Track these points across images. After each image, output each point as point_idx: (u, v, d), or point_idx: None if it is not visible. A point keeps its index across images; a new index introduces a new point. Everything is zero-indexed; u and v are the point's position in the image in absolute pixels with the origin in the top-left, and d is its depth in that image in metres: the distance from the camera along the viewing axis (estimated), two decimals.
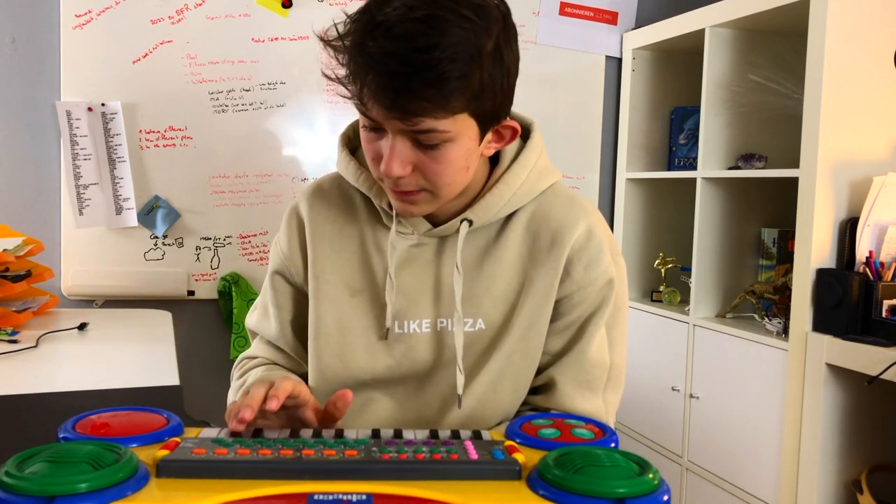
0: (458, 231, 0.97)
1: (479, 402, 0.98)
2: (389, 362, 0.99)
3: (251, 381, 1.01)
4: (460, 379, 0.96)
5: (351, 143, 1.06)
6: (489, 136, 0.91)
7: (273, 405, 0.76)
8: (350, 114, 0.94)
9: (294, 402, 0.84)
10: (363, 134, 0.89)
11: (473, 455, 0.65)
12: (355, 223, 1.03)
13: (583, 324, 0.99)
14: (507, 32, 0.85)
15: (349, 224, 1.03)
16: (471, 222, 0.96)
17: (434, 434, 0.72)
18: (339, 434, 0.72)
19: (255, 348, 1.11)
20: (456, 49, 0.78)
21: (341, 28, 0.85)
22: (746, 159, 2.12)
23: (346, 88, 0.85)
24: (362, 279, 1.01)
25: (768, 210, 2.21)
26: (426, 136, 0.84)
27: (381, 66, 0.79)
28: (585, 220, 0.98)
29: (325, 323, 1.00)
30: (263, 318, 1.09)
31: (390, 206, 0.97)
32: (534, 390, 1.02)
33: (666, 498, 0.59)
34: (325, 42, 0.86)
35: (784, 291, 1.99)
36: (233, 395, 1.06)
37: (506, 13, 0.86)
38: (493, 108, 0.86)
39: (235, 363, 1.12)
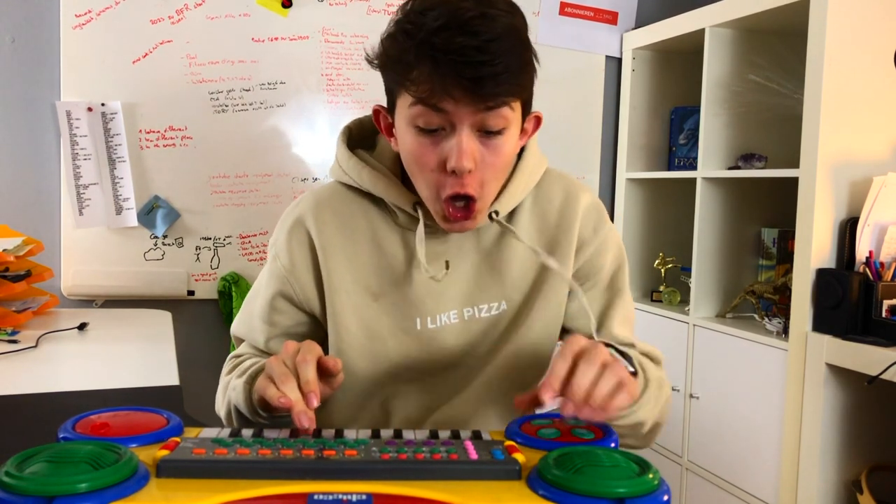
0: (484, 223, 1.00)
1: (504, 378, 1.04)
2: (421, 357, 1.03)
3: (257, 368, 0.98)
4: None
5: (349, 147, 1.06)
6: (519, 130, 0.95)
7: (314, 403, 0.77)
8: (350, 114, 0.94)
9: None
10: (418, 143, 0.90)
11: (473, 455, 0.65)
12: (365, 228, 1.03)
13: (612, 276, 1.08)
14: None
15: (358, 230, 1.03)
16: (497, 213, 1.00)
17: (434, 434, 0.73)
18: (339, 434, 0.72)
19: (244, 350, 1.11)
20: (514, 37, 0.86)
21: (386, 43, 0.89)
22: (746, 159, 2.12)
23: (407, 90, 0.87)
24: (381, 282, 1.02)
25: (768, 210, 2.21)
26: (495, 121, 0.87)
27: (463, 58, 0.82)
28: (584, 192, 1.09)
29: (348, 328, 1.01)
30: (248, 331, 1.08)
31: (415, 209, 0.98)
32: None
33: (666, 498, 0.59)
34: (371, 61, 0.92)
35: (784, 291, 1.99)
36: (222, 393, 1.03)
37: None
38: (530, 95, 0.93)
39: (226, 363, 1.10)
